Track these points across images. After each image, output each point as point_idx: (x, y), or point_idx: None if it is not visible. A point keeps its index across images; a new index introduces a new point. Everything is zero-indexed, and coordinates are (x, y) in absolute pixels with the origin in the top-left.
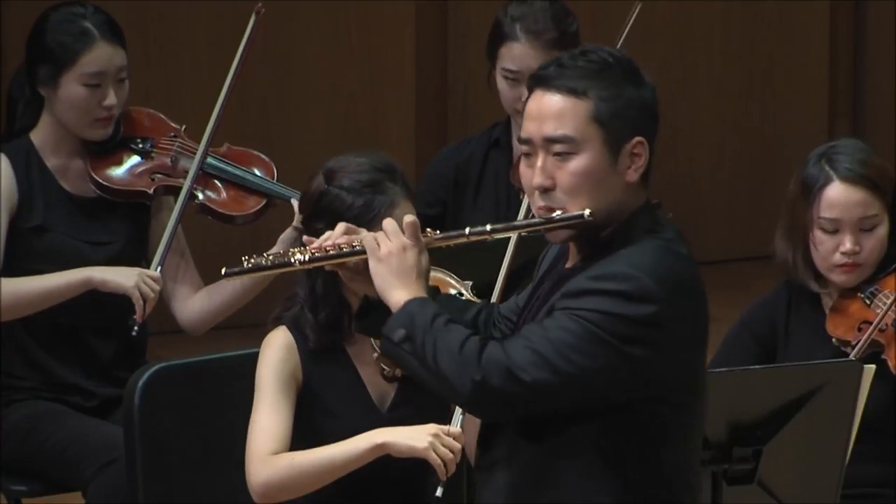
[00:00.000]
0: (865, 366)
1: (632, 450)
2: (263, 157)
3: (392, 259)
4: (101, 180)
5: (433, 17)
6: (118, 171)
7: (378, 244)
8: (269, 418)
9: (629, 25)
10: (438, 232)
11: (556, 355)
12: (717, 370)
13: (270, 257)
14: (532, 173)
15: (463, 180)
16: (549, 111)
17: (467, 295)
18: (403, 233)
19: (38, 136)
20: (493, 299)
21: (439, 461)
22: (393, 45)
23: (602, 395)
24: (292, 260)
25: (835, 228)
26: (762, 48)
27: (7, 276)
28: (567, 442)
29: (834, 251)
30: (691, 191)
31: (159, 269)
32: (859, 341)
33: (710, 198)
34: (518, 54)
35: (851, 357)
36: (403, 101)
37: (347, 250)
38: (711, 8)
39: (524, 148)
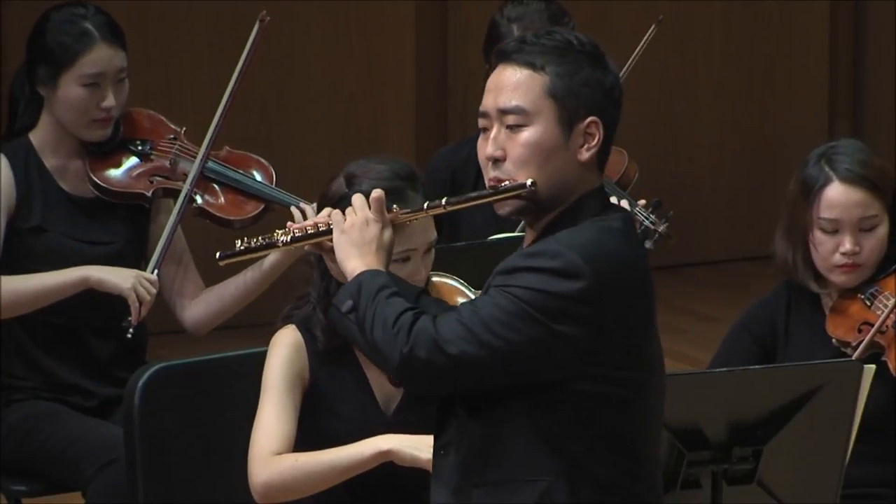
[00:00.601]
0: (865, 366)
1: (572, 425)
2: (263, 161)
3: (353, 231)
4: (99, 182)
5: (433, 17)
6: (117, 173)
7: (343, 217)
8: (273, 418)
9: (643, 46)
10: (397, 207)
11: (484, 329)
12: (718, 370)
13: (258, 239)
14: (484, 146)
15: (460, 181)
16: (506, 83)
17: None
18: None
19: (37, 136)
20: None
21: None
22: (393, 45)
23: (533, 370)
24: (277, 240)
25: (834, 229)
26: (762, 48)
27: (5, 276)
28: (508, 419)
29: (834, 251)
30: (691, 191)
31: (156, 271)
32: (860, 342)
33: (710, 198)
34: None
35: (852, 358)
36: (403, 101)
37: (324, 229)
38: (711, 8)
39: (482, 121)
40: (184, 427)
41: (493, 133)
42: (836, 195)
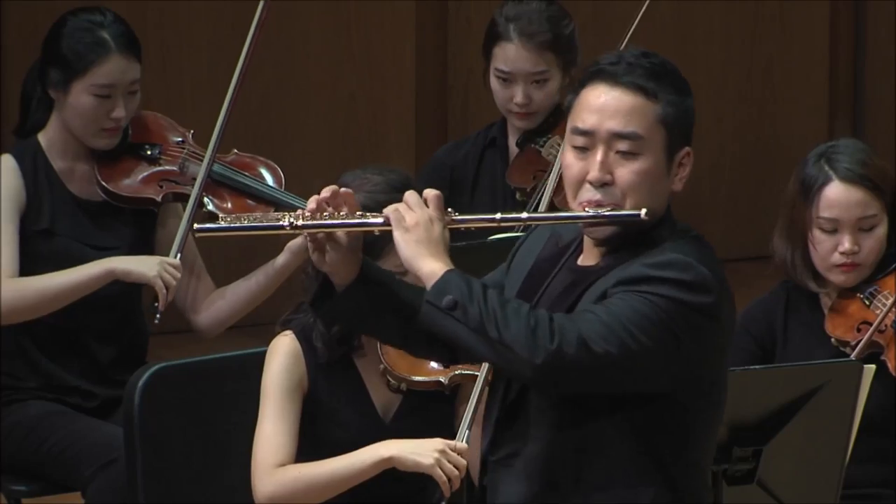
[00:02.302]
0: (865, 366)
1: (667, 441)
2: (272, 164)
3: (419, 229)
4: (109, 187)
5: (433, 17)
6: (126, 178)
7: (403, 215)
8: (274, 429)
9: (636, 22)
10: (452, 211)
11: (624, 331)
12: None
13: (255, 216)
14: (584, 165)
15: (459, 180)
16: (619, 107)
17: None
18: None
19: (45, 137)
20: None
21: (444, 478)
22: (393, 45)
23: (655, 377)
24: (284, 223)
25: (834, 228)
26: (762, 48)
27: (29, 277)
28: (609, 426)
29: (833, 251)
30: (691, 191)
31: (178, 256)
32: (859, 342)
33: (710, 198)
34: (511, 55)
35: (851, 357)
36: (403, 101)
37: (355, 220)
38: (711, 8)
39: (579, 140)
40: (184, 427)
41: (599, 156)
42: (836, 194)
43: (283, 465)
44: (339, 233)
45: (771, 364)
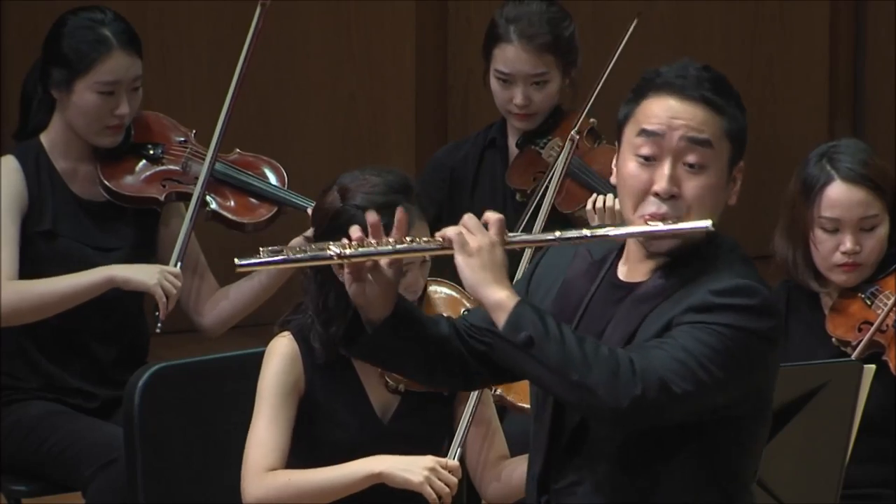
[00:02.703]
0: (865, 366)
1: (726, 460)
2: (275, 163)
3: (483, 254)
4: (112, 186)
5: (433, 17)
6: (129, 178)
7: (466, 239)
8: (267, 432)
9: (625, 40)
10: (516, 233)
11: (700, 367)
12: None
13: (301, 249)
14: (647, 177)
15: (459, 181)
16: (691, 118)
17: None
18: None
19: (48, 137)
20: None
21: (434, 496)
22: (393, 45)
23: (722, 406)
24: (330, 253)
25: (835, 228)
26: (762, 48)
27: (30, 280)
28: (677, 452)
29: (834, 251)
30: None
31: (179, 265)
32: (860, 341)
33: None
34: (511, 57)
35: (852, 357)
36: (403, 101)
37: (411, 246)
38: (711, 8)
39: (646, 148)
40: (184, 427)
41: (667, 170)
42: (837, 194)
43: (273, 469)
44: (385, 261)
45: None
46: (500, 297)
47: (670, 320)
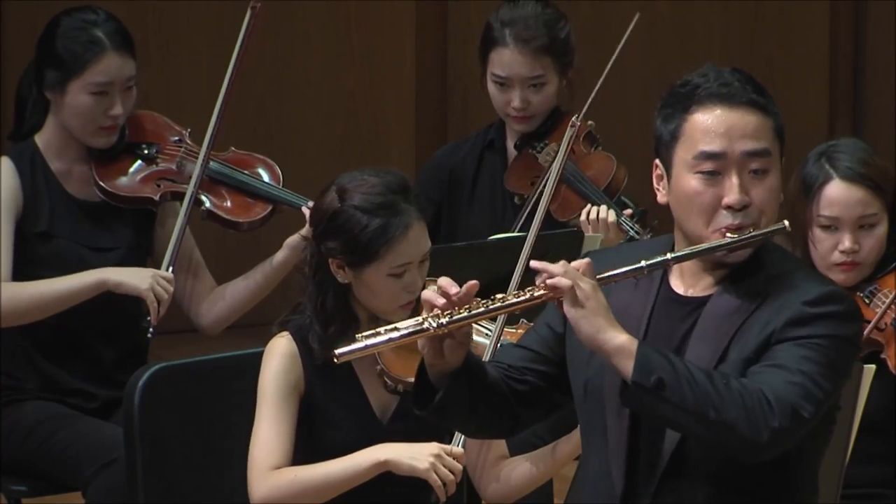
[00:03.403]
0: (865, 366)
1: (811, 470)
2: (270, 161)
3: (592, 302)
4: (107, 187)
5: (433, 17)
6: (124, 178)
7: (569, 289)
8: (270, 431)
9: (627, 34)
10: (603, 273)
11: (815, 387)
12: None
13: (396, 329)
14: (715, 192)
15: (458, 181)
16: (747, 127)
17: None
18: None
19: (42, 138)
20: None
21: (439, 482)
22: (393, 45)
23: (833, 411)
24: (427, 327)
25: (834, 227)
26: (762, 48)
27: (24, 282)
28: (764, 472)
29: (833, 249)
30: None
31: (171, 269)
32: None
33: None
34: (507, 60)
35: None
36: (403, 101)
37: (516, 301)
38: (711, 8)
39: (707, 165)
40: (184, 427)
41: (735, 179)
42: (836, 193)
43: (279, 467)
44: (485, 319)
45: None
46: (622, 342)
47: (770, 335)
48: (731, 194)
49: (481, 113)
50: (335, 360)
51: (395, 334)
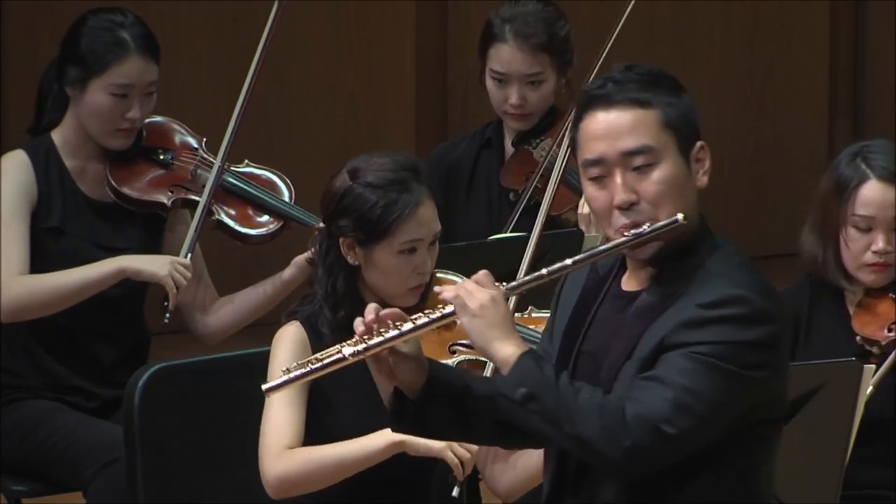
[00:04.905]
0: (865, 366)
1: (736, 471)
2: (283, 177)
3: (487, 312)
4: (119, 189)
5: (433, 17)
6: (137, 181)
7: (465, 301)
8: (283, 412)
9: (621, 24)
10: (504, 284)
11: (694, 400)
12: None
13: (316, 359)
14: (606, 195)
15: (454, 180)
16: (621, 126)
17: None
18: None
19: (59, 135)
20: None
21: (456, 461)
22: (393, 45)
23: (730, 423)
24: (343, 355)
25: (868, 227)
26: (762, 48)
27: (43, 274)
28: (677, 473)
29: (865, 250)
30: None
31: (189, 256)
32: (889, 341)
33: (710, 197)
34: (506, 57)
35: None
36: (403, 101)
37: (420, 322)
38: (711, 8)
39: (594, 171)
40: (184, 427)
41: (618, 179)
42: (873, 193)
43: (292, 447)
44: (400, 342)
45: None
46: (506, 354)
47: (663, 338)
48: (617, 195)
49: (481, 113)
50: (265, 395)
51: (315, 365)
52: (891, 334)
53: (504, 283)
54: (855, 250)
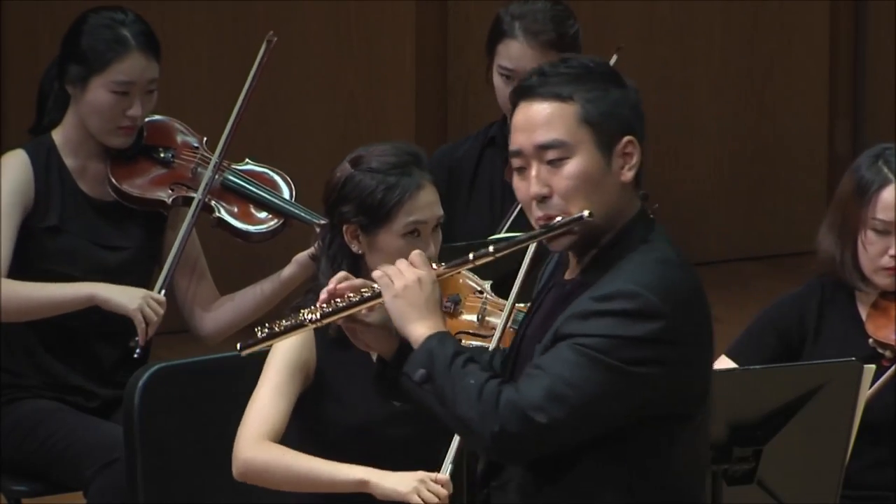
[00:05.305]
0: (865, 366)
1: (642, 468)
2: (285, 175)
3: (409, 292)
4: (120, 186)
5: (433, 17)
6: (138, 179)
7: (391, 280)
8: (269, 400)
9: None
10: (444, 264)
11: (568, 388)
12: (718, 370)
13: (282, 323)
14: (527, 185)
15: (456, 181)
16: (538, 119)
17: (489, 294)
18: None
19: (60, 134)
20: (512, 297)
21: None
22: (393, 45)
23: (615, 419)
24: (304, 321)
25: (887, 230)
26: (762, 48)
27: (20, 276)
28: (579, 461)
29: (883, 253)
30: (691, 190)
31: (163, 292)
32: None
33: (710, 198)
34: (515, 53)
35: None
36: (403, 101)
37: (357, 298)
38: (711, 8)
39: (516, 161)
40: (184, 427)
41: (533, 171)
42: (893, 197)
43: (269, 439)
44: (363, 312)
45: (797, 359)
46: (419, 334)
47: (557, 328)
48: (531, 188)
49: (481, 113)
50: (241, 354)
51: (279, 329)
52: None
53: (444, 264)
54: (872, 253)
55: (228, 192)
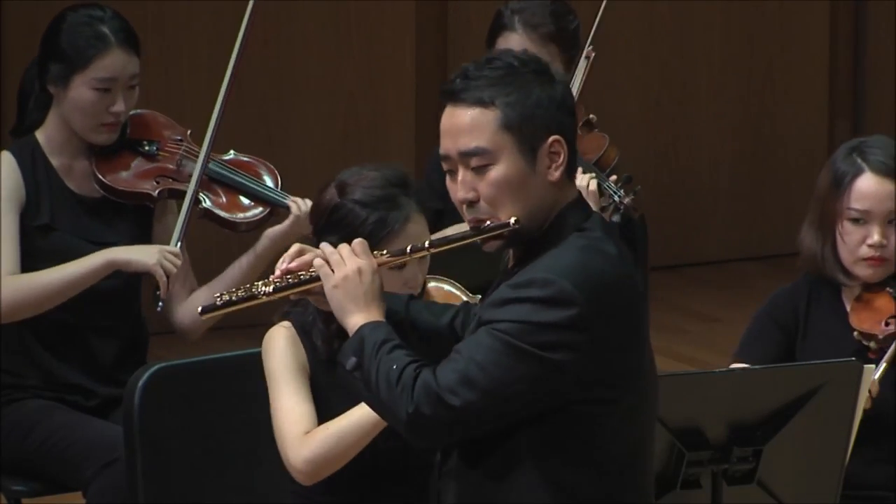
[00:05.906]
0: (865, 366)
1: (568, 454)
2: (269, 164)
3: (348, 283)
4: (105, 181)
5: (433, 17)
6: (123, 173)
7: (332, 269)
8: (292, 402)
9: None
10: (385, 253)
11: (481, 374)
12: (718, 370)
13: (239, 292)
14: (456, 188)
15: None
16: (461, 126)
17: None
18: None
19: (43, 134)
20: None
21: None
22: (393, 45)
23: (533, 403)
24: (258, 293)
25: (863, 220)
26: (762, 48)
27: (28, 273)
28: (508, 450)
29: (861, 243)
30: (691, 190)
31: (179, 244)
32: (887, 335)
33: (710, 197)
34: (514, 45)
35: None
36: (403, 101)
37: (305, 278)
38: (711, 8)
39: (445, 164)
40: (184, 427)
41: (460, 176)
42: (868, 186)
43: (309, 432)
44: (306, 289)
45: (793, 354)
46: (354, 323)
47: (479, 315)
48: (458, 192)
49: None
50: (200, 316)
51: (236, 297)
52: (888, 328)
53: (385, 252)
54: (851, 244)
55: (213, 183)
